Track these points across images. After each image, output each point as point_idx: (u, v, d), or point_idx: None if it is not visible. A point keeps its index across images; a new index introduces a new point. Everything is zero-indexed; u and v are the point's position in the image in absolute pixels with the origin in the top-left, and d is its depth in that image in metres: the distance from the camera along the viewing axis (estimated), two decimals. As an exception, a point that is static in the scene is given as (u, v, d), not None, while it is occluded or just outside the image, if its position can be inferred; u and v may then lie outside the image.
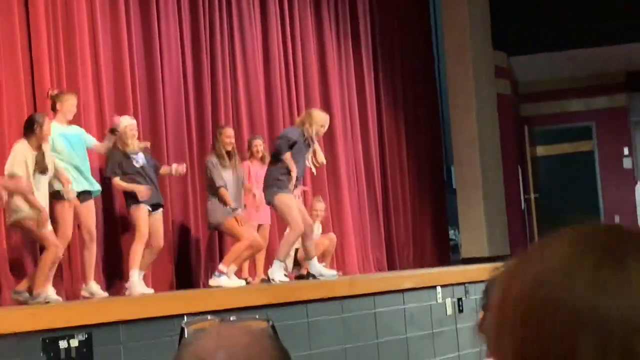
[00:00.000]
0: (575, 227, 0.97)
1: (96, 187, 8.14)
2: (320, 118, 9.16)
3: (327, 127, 9.29)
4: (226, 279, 8.88)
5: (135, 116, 9.15)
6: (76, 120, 8.23)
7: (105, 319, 6.58)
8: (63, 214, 7.80)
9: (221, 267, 9.00)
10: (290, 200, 8.94)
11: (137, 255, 8.32)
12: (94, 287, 7.98)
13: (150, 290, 8.41)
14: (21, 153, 7.37)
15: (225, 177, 9.14)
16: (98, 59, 8.87)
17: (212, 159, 9.22)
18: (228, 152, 9.24)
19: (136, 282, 8.27)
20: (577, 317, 0.89)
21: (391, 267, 12.39)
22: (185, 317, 6.96)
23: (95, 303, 7.47)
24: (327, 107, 11.64)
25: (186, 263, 9.62)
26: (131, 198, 8.43)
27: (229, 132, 9.39)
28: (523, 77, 15.71)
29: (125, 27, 9.20)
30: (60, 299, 7.63)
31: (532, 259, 0.96)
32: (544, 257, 0.95)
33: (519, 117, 15.70)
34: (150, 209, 8.46)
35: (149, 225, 8.43)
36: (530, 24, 14.28)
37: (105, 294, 8.03)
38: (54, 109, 7.95)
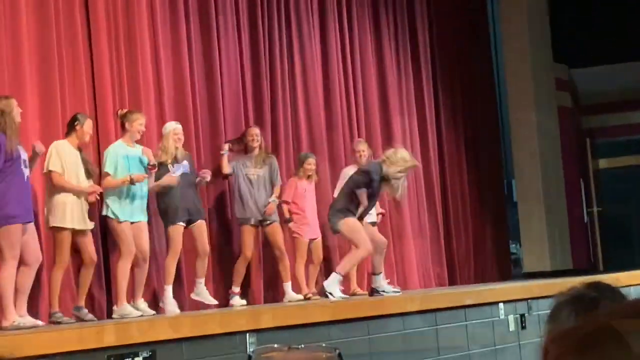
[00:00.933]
0: None
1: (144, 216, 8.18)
2: (403, 161, 8.95)
3: (405, 173, 9.03)
4: (238, 299, 9.04)
5: (196, 134, 9.26)
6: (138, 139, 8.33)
7: (169, 336, 6.64)
8: (121, 232, 7.90)
9: (234, 288, 9.12)
10: (355, 223, 8.93)
11: (171, 270, 8.38)
12: (142, 304, 8.04)
13: (177, 310, 8.35)
14: (61, 151, 7.54)
15: (251, 174, 9.24)
16: (160, 78, 8.99)
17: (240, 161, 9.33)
18: (253, 149, 9.32)
19: (169, 298, 8.33)
20: None
21: (452, 282, 12.32)
22: (247, 335, 7.02)
23: (159, 320, 7.54)
24: (386, 122, 11.65)
25: (246, 278, 9.63)
26: (166, 217, 8.48)
27: (252, 130, 9.42)
28: (584, 89, 15.53)
29: (186, 47, 9.31)
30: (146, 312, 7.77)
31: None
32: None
33: (581, 130, 15.51)
34: (185, 224, 8.50)
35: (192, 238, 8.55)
36: (592, 36, 14.13)
37: (152, 312, 8.08)
38: (123, 128, 8.07)
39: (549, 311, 2.25)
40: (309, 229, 9.78)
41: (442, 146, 12.74)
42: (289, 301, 9.21)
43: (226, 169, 9.24)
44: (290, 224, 9.73)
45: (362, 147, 10.12)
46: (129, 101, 8.61)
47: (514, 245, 14.73)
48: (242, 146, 9.45)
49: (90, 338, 6.28)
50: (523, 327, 9.36)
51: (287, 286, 9.36)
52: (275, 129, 10.21)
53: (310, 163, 9.86)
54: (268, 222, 9.28)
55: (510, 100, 13.80)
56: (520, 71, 13.59)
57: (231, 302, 9.04)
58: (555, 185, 13.75)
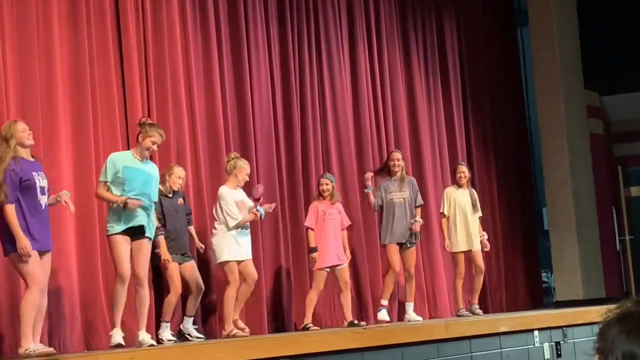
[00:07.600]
0: None
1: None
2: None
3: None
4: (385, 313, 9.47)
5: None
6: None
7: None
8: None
9: (383, 301, 9.52)
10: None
11: (168, 306, 7.97)
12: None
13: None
14: None
15: (396, 198, 9.58)
16: (193, 105, 8.93)
17: (384, 184, 9.67)
18: (395, 173, 9.67)
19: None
20: None
21: (483, 310, 12.12)
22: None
23: (193, 345, 7.45)
24: (416, 147, 11.58)
25: (278, 305, 9.55)
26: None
27: (394, 155, 9.79)
28: (616, 116, 15.39)
29: (218, 73, 9.27)
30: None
31: None
32: None
33: (613, 157, 15.35)
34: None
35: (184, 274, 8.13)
36: (623, 63, 14.02)
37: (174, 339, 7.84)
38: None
39: (591, 336, 2.16)
40: (327, 256, 9.01)
41: (473, 173, 12.58)
42: (409, 321, 9.47)
43: (373, 205, 9.62)
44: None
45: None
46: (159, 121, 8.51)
47: (545, 274, 14.56)
48: (385, 172, 9.80)
49: None
50: (559, 355, 9.20)
51: (409, 306, 9.62)
52: (305, 151, 10.15)
53: (323, 184, 9.19)
54: (408, 245, 9.62)
55: (542, 127, 13.68)
56: (551, 98, 13.47)
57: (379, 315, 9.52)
58: (587, 213, 13.58)
